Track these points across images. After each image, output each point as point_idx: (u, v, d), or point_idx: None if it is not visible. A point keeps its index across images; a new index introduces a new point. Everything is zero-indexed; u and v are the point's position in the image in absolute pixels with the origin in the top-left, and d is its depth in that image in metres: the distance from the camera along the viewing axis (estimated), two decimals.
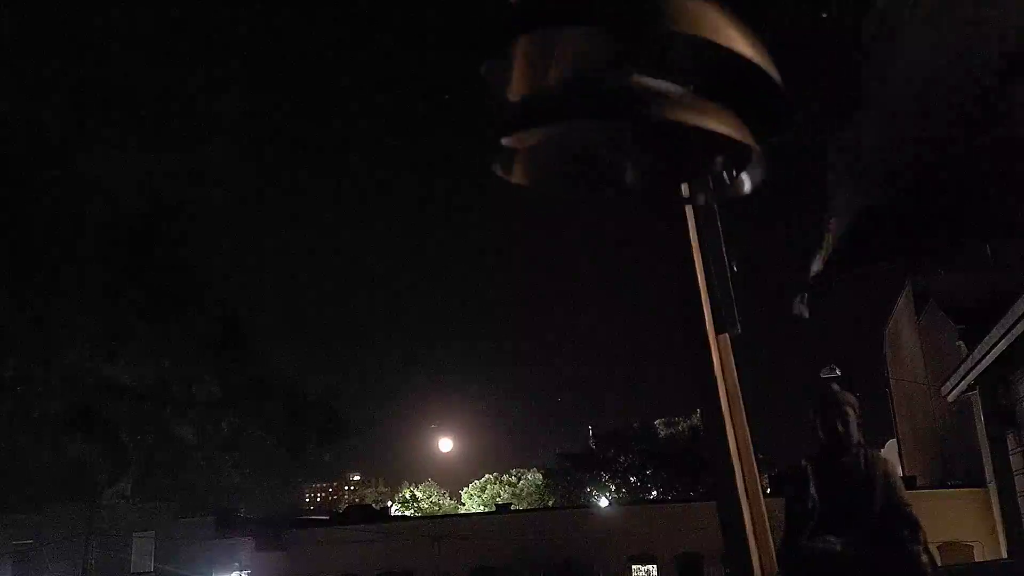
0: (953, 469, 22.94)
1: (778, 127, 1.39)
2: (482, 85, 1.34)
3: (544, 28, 1.27)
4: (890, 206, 2.35)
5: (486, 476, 56.55)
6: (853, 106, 2.12)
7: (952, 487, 22.16)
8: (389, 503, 56.77)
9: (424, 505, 54.80)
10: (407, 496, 57.02)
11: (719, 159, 1.41)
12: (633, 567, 26.37)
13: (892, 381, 29.01)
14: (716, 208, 2.31)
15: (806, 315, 2.53)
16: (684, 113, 1.25)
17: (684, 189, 2.02)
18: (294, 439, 22.19)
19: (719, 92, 1.28)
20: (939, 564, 3.88)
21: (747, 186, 1.45)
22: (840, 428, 3.63)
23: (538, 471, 54.36)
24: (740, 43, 1.20)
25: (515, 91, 1.33)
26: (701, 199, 1.89)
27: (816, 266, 2.48)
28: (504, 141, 1.37)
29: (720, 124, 1.27)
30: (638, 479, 49.00)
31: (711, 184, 1.58)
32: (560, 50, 1.31)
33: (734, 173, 1.44)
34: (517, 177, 1.40)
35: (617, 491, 48.76)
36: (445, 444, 69.98)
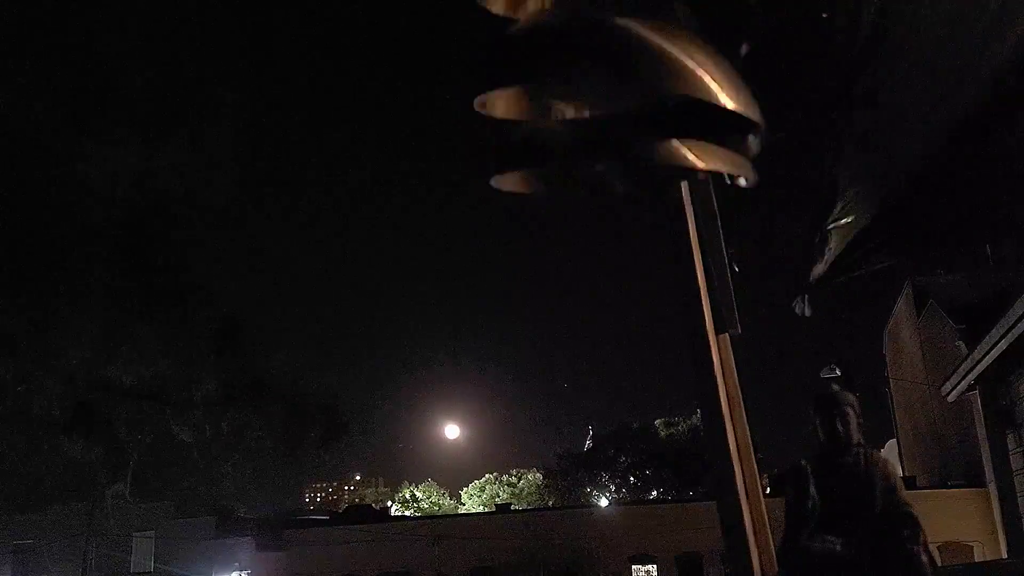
0: (953, 469, 22.94)
1: (755, 156, 1.42)
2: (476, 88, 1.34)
3: (532, 75, 1.29)
4: (891, 206, 2.35)
5: (486, 476, 56.59)
6: (855, 105, 2.12)
7: (952, 487, 22.16)
8: (389, 503, 56.79)
9: (424, 505, 54.80)
10: (407, 496, 57.03)
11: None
12: (633, 567, 26.37)
13: (892, 381, 29.01)
14: (716, 208, 2.31)
15: (808, 314, 2.53)
16: (683, 154, 1.27)
17: (684, 190, 2.02)
18: (294, 439, 22.20)
19: (705, 128, 1.30)
20: (939, 564, 3.88)
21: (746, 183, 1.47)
22: (840, 428, 3.63)
23: (538, 471, 54.39)
24: (725, 95, 1.22)
25: (511, 119, 1.34)
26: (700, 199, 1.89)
27: (817, 265, 2.49)
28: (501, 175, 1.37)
29: (718, 163, 1.29)
30: (638, 479, 48.99)
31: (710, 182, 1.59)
32: (549, 93, 1.33)
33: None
34: (510, 186, 1.40)
35: (617, 491, 48.76)
36: (452, 431, 69.98)
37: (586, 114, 1.34)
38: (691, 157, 1.26)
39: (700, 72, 1.19)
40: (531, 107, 1.32)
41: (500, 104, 1.31)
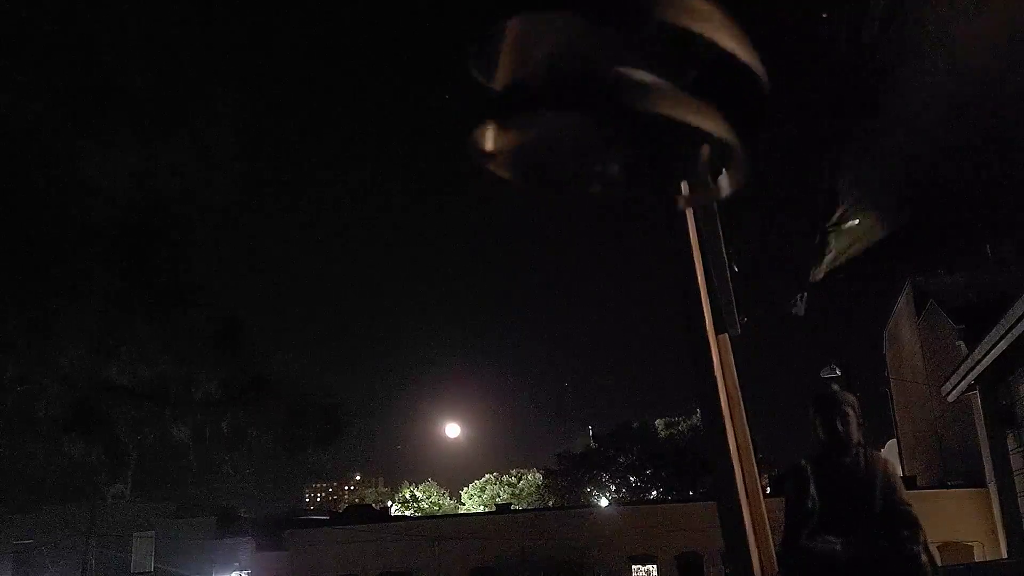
0: (953, 469, 22.93)
1: (758, 124, 1.39)
2: (475, 81, 1.33)
3: (529, 12, 1.27)
4: (892, 207, 2.35)
5: (486, 476, 56.61)
6: (858, 107, 2.12)
7: (952, 487, 22.16)
8: (389, 503, 56.78)
9: (424, 505, 54.81)
10: (407, 496, 57.04)
11: (702, 157, 1.41)
12: (633, 567, 26.36)
13: (892, 381, 29.00)
14: (716, 208, 2.31)
15: (802, 313, 2.53)
16: (667, 106, 1.25)
17: (684, 189, 2.02)
18: (294, 439, 22.19)
19: (702, 87, 1.27)
20: (939, 564, 3.88)
21: (726, 187, 1.45)
22: (840, 428, 3.63)
23: (538, 471, 54.40)
24: (727, 38, 1.20)
25: (499, 79, 1.32)
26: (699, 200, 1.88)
27: (817, 268, 2.49)
28: (489, 132, 1.36)
29: (703, 119, 1.27)
30: (638, 479, 49.00)
31: (694, 186, 1.57)
32: (544, 38, 1.31)
33: (715, 174, 1.44)
34: (498, 168, 1.39)
35: (617, 491, 48.76)
36: (452, 430, 70.02)
37: (578, 55, 1.32)
38: (665, 108, 1.24)
39: (705, 7, 1.17)
40: (524, 55, 1.30)
41: (495, 55, 1.29)
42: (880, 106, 2.14)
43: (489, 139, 1.36)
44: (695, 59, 1.27)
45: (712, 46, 1.18)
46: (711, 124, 1.27)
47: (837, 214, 2.37)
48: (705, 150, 1.41)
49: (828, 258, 2.45)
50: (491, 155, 1.37)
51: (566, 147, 1.45)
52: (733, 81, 1.26)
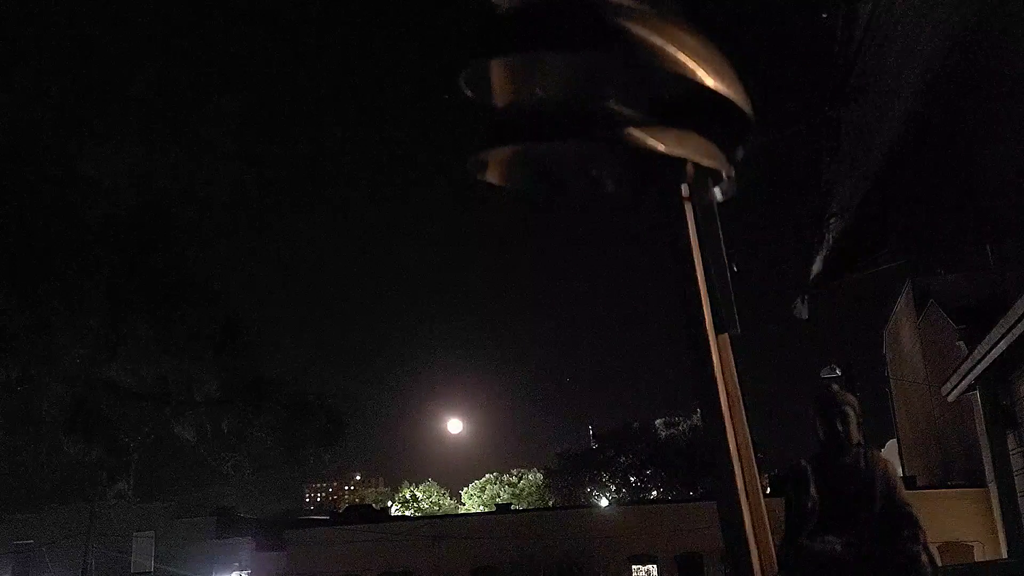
0: (953, 469, 22.93)
1: (744, 144, 1.41)
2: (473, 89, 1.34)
3: (522, 51, 1.28)
4: (890, 206, 2.35)
5: (486, 476, 56.60)
6: (853, 107, 2.12)
7: (952, 487, 22.16)
8: (389, 503, 56.79)
9: (424, 505, 54.83)
10: (407, 496, 57.05)
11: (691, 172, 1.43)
12: (633, 567, 26.37)
13: (892, 381, 29.00)
14: (716, 208, 2.31)
15: (805, 316, 2.53)
16: (649, 139, 1.27)
17: (684, 190, 2.02)
18: (294, 439, 22.20)
19: (688, 113, 1.29)
20: (939, 564, 3.88)
21: (718, 198, 1.48)
22: (840, 428, 3.63)
23: (538, 471, 54.40)
24: (707, 75, 1.21)
25: (497, 101, 1.34)
26: (700, 199, 1.89)
27: (817, 267, 2.49)
28: (483, 153, 1.37)
29: (685, 149, 1.29)
30: (638, 479, 49.00)
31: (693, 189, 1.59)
32: (539, 70, 1.33)
33: (709, 183, 1.45)
34: (494, 177, 1.40)
35: (617, 491, 48.76)
36: (455, 425, 69.83)
37: (568, 90, 1.34)
38: (651, 141, 1.26)
39: (682, 51, 1.18)
40: (517, 84, 1.32)
41: (490, 80, 1.31)
42: (877, 104, 2.15)
43: (488, 150, 1.37)
44: (677, 88, 1.28)
45: (695, 83, 1.19)
46: (696, 152, 1.29)
47: (836, 215, 2.38)
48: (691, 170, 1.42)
49: (829, 259, 2.46)
50: (488, 165, 1.38)
51: (566, 149, 1.46)
52: (718, 114, 1.27)
